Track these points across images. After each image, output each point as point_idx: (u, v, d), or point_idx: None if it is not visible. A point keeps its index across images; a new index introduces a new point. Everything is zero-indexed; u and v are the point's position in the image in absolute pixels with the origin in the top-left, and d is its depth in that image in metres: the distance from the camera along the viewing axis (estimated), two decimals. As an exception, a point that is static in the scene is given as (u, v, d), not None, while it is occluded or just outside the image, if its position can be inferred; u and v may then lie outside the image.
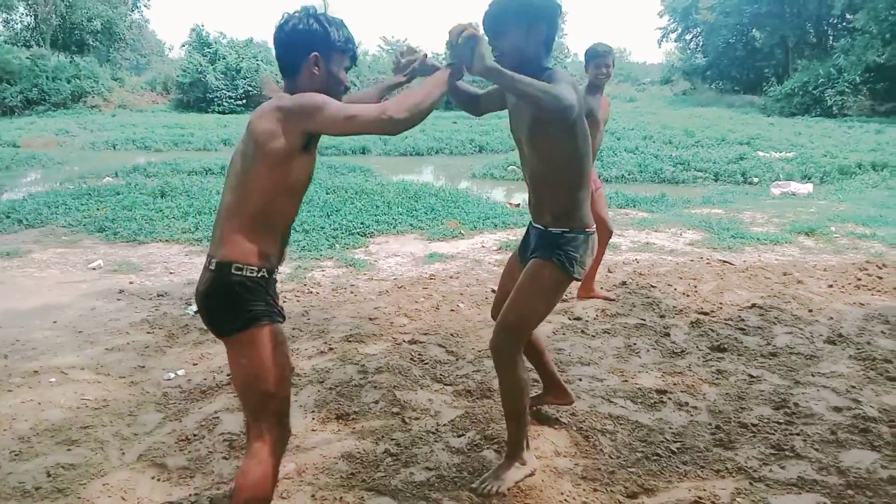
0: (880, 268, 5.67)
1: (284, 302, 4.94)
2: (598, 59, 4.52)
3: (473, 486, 2.58)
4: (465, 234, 7.28)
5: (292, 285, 5.41)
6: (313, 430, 3.05)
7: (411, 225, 7.69)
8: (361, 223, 7.59)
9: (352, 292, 5.26)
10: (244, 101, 32.55)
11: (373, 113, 1.94)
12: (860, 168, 12.77)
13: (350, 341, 4.13)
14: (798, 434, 2.91)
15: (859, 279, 5.36)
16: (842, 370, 3.63)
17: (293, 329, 4.36)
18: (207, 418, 3.14)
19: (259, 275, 1.98)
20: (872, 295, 4.99)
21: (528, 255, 2.67)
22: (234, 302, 1.97)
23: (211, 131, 20.52)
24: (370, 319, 4.58)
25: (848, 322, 4.37)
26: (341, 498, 2.49)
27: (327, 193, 9.41)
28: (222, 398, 3.35)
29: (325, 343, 4.10)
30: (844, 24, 30.77)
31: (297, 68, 2.07)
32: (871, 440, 2.83)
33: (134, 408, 3.27)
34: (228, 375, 3.57)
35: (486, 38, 2.26)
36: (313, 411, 3.23)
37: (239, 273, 1.96)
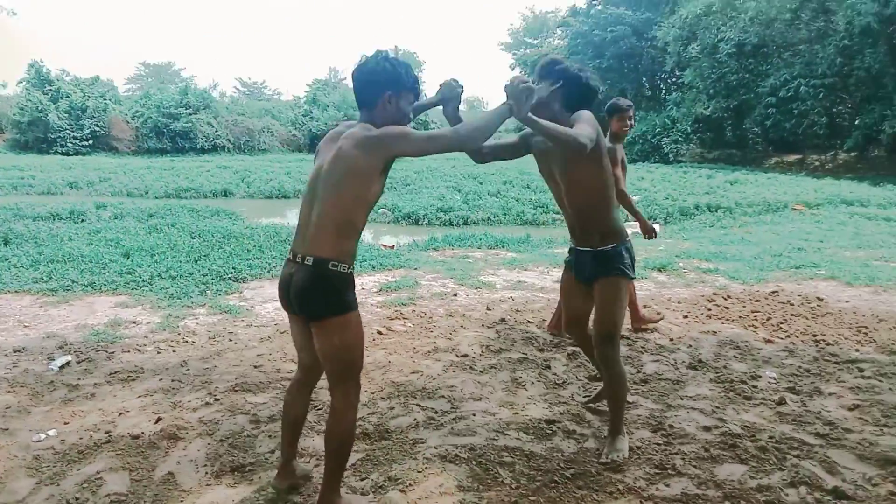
0: (725, 299, 6.30)
1: (158, 353, 4.69)
2: (622, 112, 5.00)
3: (601, 459, 3.09)
4: (343, 277, 7.25)
5: (165, 335, 5.12)
6: (208, 486, 2.91)
7: (285, 269, 7.53)
8: (233, 268, 7.34)
9: (231, 340, 5.07)
10: (90, 141, 30.62)
11: (448, 134, 2.49)
12: (697, 209, 14.11)
13: (237, 391, 3.98)
14: (677, 453, 3.17)
15: (709, 309, 5.93)
16: (705, 392, 3.99)
17: (172, 381, 4.14)
18: (89, 480, 2.90)
19: (349, 271, 2.49)
20: (722, 323, 5.54)
21: (587, 275, 3.23)
22: (331, 292, 2.45)
23: (54, 173, 19.11)
24: (255, 367, 4.44)
25: (705, 349, 4.82)
26: (250, 552, 2.40)
27: (192, 238, 9.04)
28: (104, 458, 3.11)
29: (210, 394, 3.93)
30: (675, 79, 34.10)
31: (374, 103, 2.53)
32: (738, 454, 3.14)
33: (1, 474, 2.96)
34: (107, 433, 3.35)
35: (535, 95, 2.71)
36: (205, 465, 3.08)
37: (335, 269, 2.44)
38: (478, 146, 2.67)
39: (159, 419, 3.56)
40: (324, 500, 2.62)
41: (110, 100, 33.95)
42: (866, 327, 5.38)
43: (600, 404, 3.71)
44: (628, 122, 5.06)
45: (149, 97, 34.97)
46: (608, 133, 4.96)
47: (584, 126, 2.78)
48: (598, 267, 3.15)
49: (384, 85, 2.51)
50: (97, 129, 31.07)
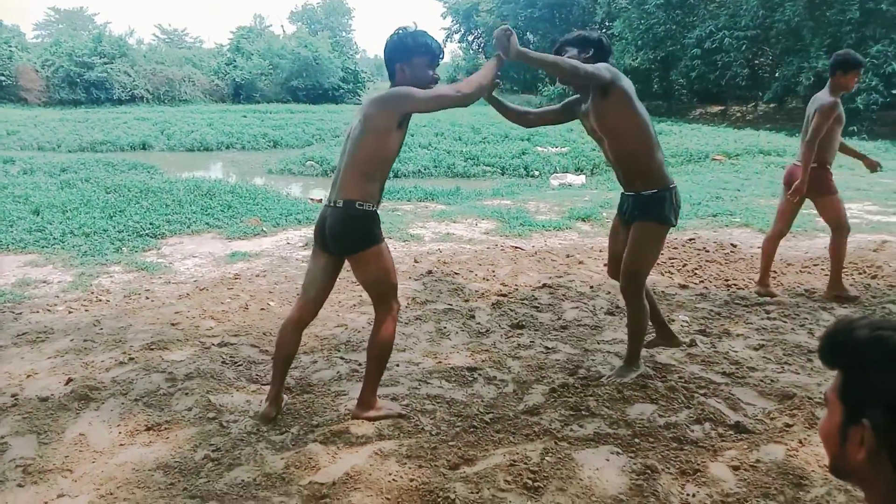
0: (644, 246, 6.49)
1: (70, 313, 4.51)
2: (858, 68, 4.67)
3: (603, 380, 3.39)
4: (268, 232, 7.11)
5: (76, 294, 4.92)
6: (121, 445, 2.84)
7: (207, 224, 7.32)
8: (150, 224, 7.08)
9: (147, 298, 4.92)
10: (-7, 89, 28.66)
11: (450, 92, 2.89)
12: (622, 160, 14.39)
13: (152, 349, 3.88)
14: (591, 395, 3.27)
15: (629, 257, 6.10)
16: (621, 337, 4.11)
17: (84, 341, 3.99)
18: (-8, 446, 2.79)
19: (373, 209, 2.88)
20: (640, 270, 5.71)
21: (627, 217, 3.42)
22: (361, 228, 2.86)
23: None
24: (172, 325, 4.32)
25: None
26: (163, 510, 2.36)
27: (108, 193, 8.65)
28: (9, 422, 2.99)
29: (124, 353, 3.81)
30: (605, 30, 34.29)
31: (393, 74, 2.95)
32: (649, 394, 3.27)
33: None
34: (14, 396, 3.23)
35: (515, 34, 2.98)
36: (119, 425, 3.00)
37: (361, 207, 2.84)
38: (476, 100, 3.00)
39: (70, 380, 3.44)
40: (363, 399, 3.02)
41: (16, 47, 31.74)
42: (775, 271, 5.63)
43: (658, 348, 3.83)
44: (857, 79, 4.80)
45: (59, 45, 32.78)
46: (831, 85, 4.66)
47: (591, 66, 3.09)
48: (636, 210, 3.34)
49: (395, 57, 2.92)
50: (2, 78, 29.08)
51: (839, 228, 4.89)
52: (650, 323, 3.62)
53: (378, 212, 2.92)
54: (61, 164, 12.11)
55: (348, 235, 2.87)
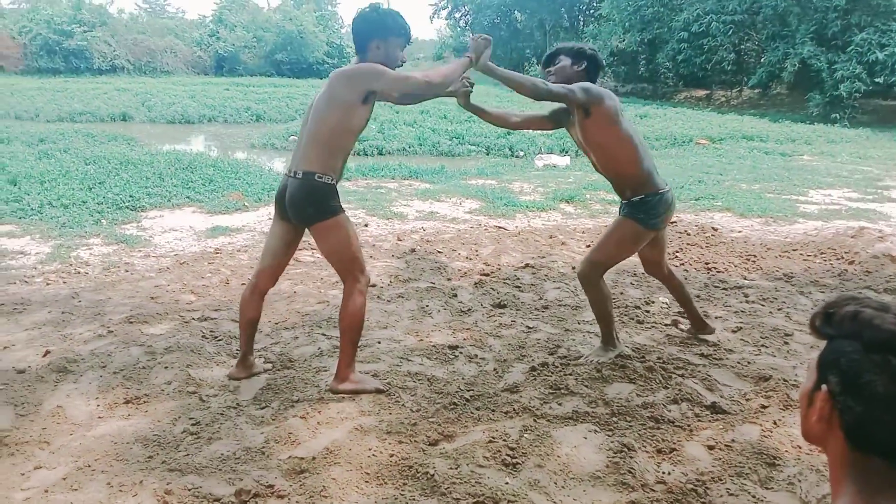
0: (627, 228, 6.53)
1: (48, 285, 4.46)
2: None
3: (580, 359, 3.41)
4: (250, 207, 7.05)
5: (55, 266, 4.86)
6: (100, 418, 2.83)
7: (188, 197, 7.25)
8: (130, 196, 7.01)
9: (127, 271, 4.88)
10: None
11: (419, 77, 2.93)
12: (607, 142, 14.40)
13: (132, 322, 3.85)
14: (570, 374, 3.30)
15: (611, 239, 6.13)
16: (602, 317, 4.15)
17: (62, 313, 3.95)
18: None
19: (332, 182, 2.89)
20: (622, 252, 5.74)
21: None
22: (318, 199, 2.88)
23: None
24: (152, 298, 4.29)
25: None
26: (141, 482, 2.36)
27: (87, 164, 8.53)
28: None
29: (103, 326, 3.78)
30: (592, 10, 34.17)
31: (365, 49, 2.94)
32: (628, 374, 3.30)
33: None
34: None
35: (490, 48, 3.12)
36: (97, 398, 2.98)
37: (320, 180, 2.86)
38: (441, 92, 3.07)
39: (48, 352, 3.41)
40: (339, 373, 3.06)
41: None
42: (755, 255, 5.71)
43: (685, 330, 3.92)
44: None
45: (37, 11, 32.04)
46: None
47: (571, 86, 3.10)
48: (625, 209, 3.38)
49: (372, 33, 2.92)
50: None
51: None
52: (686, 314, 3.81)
53: (335, 185, 2.94)
54: (39, 133, 11.89)
55: (307, 206, 2.90)
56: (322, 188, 2.87)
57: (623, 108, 3.29)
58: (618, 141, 3.24)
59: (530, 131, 15.19)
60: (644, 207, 3.29)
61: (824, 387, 1.01)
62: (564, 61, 3.32)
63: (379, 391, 3.08)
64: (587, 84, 3.20)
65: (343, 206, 3.00)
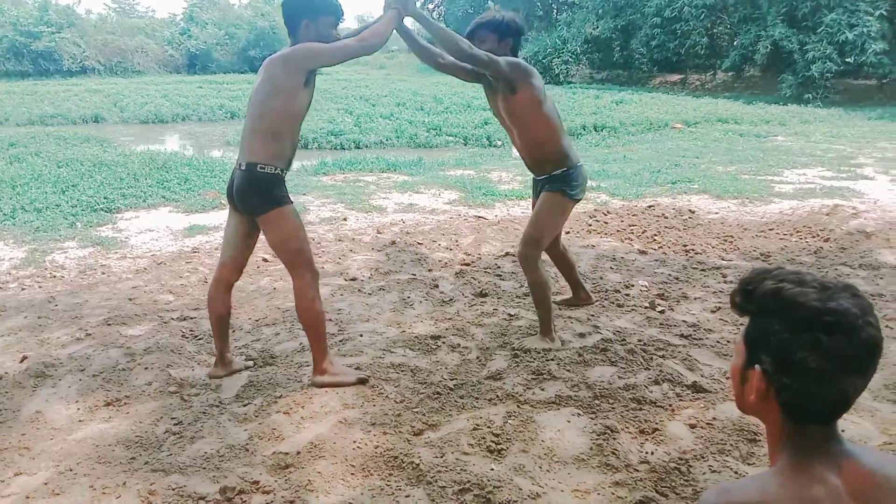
0: (605, 214, 6.56)
1: (23, 290, 4.40)
2: None
3: (514, 344, 3.45)
4: (226, 205, 6.97)
5: (29, 270, 4.79)
6: (80, 421, 2.80)
7: (164, 197, 7.17)
8: (105, 198, 6.91)
9: (104, 273, 4.82)
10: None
11: (355, 42, 2.92)
12: (584, 129, 14.43)
13: (110, 324, 3.81)
14: (552, 359, 3.32)
15: (590, 225, 6.16)
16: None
17: (39, 318, 3.90)
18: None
19: (276, 171, 2.90)
20: (601, 238, 5.78)
21: (538, 195, 3.54)
22: (261, 189, 2.88)
23: None
24: (130, 300, 4.24)
25: (584, 261, 5.02)
26: (124, 483, 2.34)
27: (59, 167, 8.40)
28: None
29: (81, 329, 3.73)
30: (565, -1, 34.14)
31: (296, 30, 2.92)
32: (609, 357, 3.33)
33: None
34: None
35: None
36: (77, 401, 2.95)
37: (263, 170, 2.86)
38: (378, 48, 3.08)
39: (24, 357, 3.36)
40: (316, 366, 3.08)
41: None
42: (732, 236, 5.76)
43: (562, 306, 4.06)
44: None
45: (2, 13, 31.35)
46: None
47: (498, 58, 3.13)
48: (544, 186, 3.48)
49: (301, 14, 2.90)
50: None
51: None
52: (568, 284, 3.95)
53: (283, 174, 2.94)
54: (9, 138, 11.66)
55: (251, 196, 2.92)
56: (265, 178, 2.88)
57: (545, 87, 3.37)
58: (542, 119, 3.35)
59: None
60: (567, 179, 3.42)
61: (758, 366, 1.04)
62: (488, 38, 3.29)
63: (361, 381, 3.07)
64: (515, 60, 3.23)
65: (319, 200, 2.99)
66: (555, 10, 37.07)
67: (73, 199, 6.76)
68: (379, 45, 3.04)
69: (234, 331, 3.78)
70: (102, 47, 32.05)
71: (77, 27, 31.54)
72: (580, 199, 3.56)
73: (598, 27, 27.47)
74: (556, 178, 3.43)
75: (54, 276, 4.69)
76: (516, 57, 3.32)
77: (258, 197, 2.90)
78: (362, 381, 3.08)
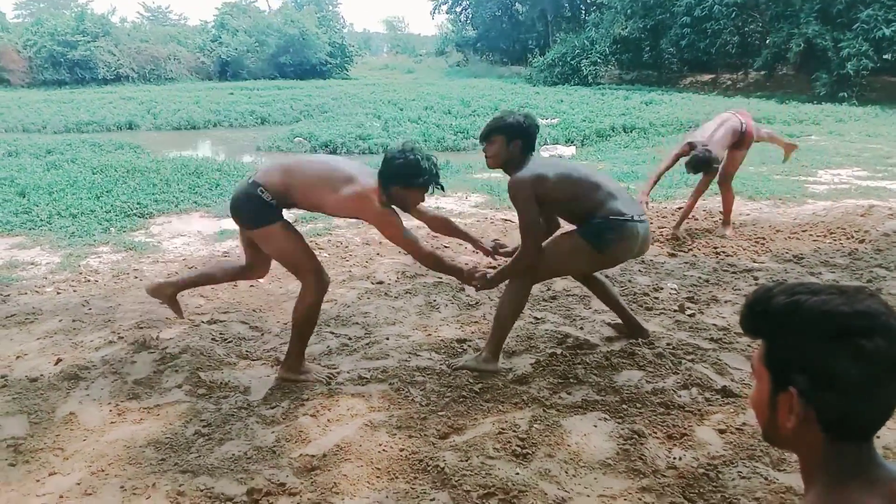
0: (634, 216, 6.49)
1: (58, 294, 4.50)
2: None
3: (451, 363, 3.33)
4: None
5: (65, 275, 4.90)
6: (112, 423, 2.85)
7: (195, 202, 7.28)
8: (138, 203, 7.03)
9: (136, 277, 4.90)
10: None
11: (422, 249, 3.10)
12: (613, 131, 14.34)
13: (141, 328, 3.87)
14: (579, 363, 3.29)
15: (618, 227, 6.10)
16: (608, 308, 4.13)
17: (73, 321, 3.99)
18: (-18, 427, 2.79)
19: (271, 202, 2.98)
20: (629, 239, 5.72)
21: None
22: (250, 207, 3.00)
23: (-65, 108, 17.51)
24: (161, 304, 4.30)
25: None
26: (154, 484, 2.38)
27: (94, 174, 8.56)
28: (-2, 403, 3.00)
29: (114, 332, 3.80)
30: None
31: (388, 186, 2.97)
32: (637, 361, 3.30)
33: None
34: (3, 377, 3.27)
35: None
36: (109, 403, 3.01)
37: (262, 193, 2.96)
38: (426, 266, 3.32)
39: (59, 360, 3.44)
40: (285, 361, 3.20)
41: None
42: (763, 238, 5.67)
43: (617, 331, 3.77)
44: None
45: (41, 24, 32.16)
46: None
47: (527, 227, 3.15)
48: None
49: (399, 179, 2.95)
50: None
51: None
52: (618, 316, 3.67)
53: (274, 206, 3.01)
54: (46, 145, 11.97)
55: (242, 210, 3.06)
56: (259, 200, 2.97)
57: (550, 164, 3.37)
58: (563, 202, 3.22)
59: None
60: (598, 229, 3.18)
61: (792, 388, 0.96)
62: (498, 141, 3.19)
63: (330, 378, 3.19)
64: (528, 215, 3.10)
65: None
66: (583, 11, 36.86)
67: (108, 205, 6.90)
68: (432, 268, 3.26)
69: (262, 334, 3.83)
70: (136, 55, 32.69)
71: (112, 36, 32.21)
72: (601, 253, 3.17)
73: (626, 27, 27.26)
74: (589, 224, 3.18)
75: (88, 281, 4.79)
76: (532, 150, 3.24)
77: (247, 213, 3.04)
78: (331, 378, 3.19)
